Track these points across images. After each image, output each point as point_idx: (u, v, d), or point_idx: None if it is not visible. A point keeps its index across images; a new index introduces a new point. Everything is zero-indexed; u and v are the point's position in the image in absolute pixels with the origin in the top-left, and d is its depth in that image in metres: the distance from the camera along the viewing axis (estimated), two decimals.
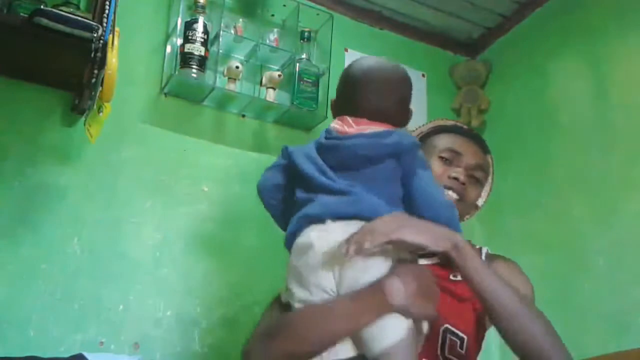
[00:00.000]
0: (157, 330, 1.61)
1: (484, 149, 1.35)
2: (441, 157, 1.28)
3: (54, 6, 1.38)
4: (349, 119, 1.10)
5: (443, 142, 1.31)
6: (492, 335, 2.16)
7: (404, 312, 0.95)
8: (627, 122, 1.76)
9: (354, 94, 1.13)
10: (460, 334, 1.13)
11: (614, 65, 1.85)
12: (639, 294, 1.60)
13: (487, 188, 1.38)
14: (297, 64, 1.93)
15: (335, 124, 1.12)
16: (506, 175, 2.14)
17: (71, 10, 1.43)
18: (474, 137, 1.35)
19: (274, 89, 1.90)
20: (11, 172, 1.55)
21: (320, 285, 1.00)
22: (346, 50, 2.17)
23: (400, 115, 1.15)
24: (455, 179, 1.25)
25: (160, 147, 1.77)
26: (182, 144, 1.80)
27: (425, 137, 1.35)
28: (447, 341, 1.11)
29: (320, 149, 1.10)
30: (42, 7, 1.35)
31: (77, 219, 1.59)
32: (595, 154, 1.84)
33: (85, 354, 1.37)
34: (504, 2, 2.20)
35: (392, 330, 0.94)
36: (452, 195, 1.24)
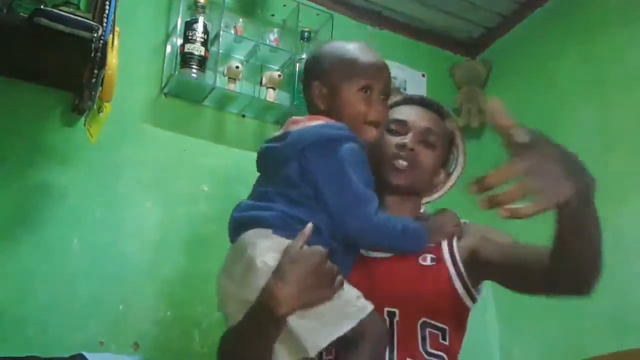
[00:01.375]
0: (157, 330, 1.61)
1: (439, 113, 1.27)
2: (388, 130, 1.21)
3: (54, 6, 1.38)
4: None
5: (390, 112, 1.24)
6: (492, 336, 2.17)
7: (299, 310, 0.92)
8: (627, 122, 1.76)
9: None
10: (440, 324, 1.07)
11: (614, 65, 1.85)
12: (639, 294, 1.60)
13: (455, 153, 1.30)
14: (297, 64, 1.92)
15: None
16: None
17: (71, 10, 1.42)
18: (424, 103, 1.28)
19: (274, 89, 1.90)
20: (11, 172, 1.55)
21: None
22: None
23: (318, 102, 1.16)
24: (402, 146, 1.17)
25: (160, 147, 1.77)
26: (182, 144, 1.80)
27: None
28: (428, 335, 1.05)
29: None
30: (42, 7, 1.35)
31: (77, 219, 1.59)
32: (595, 154, 1.84)
33: (85, 353, 1.37)
34: (504, 2, 2.20)
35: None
36: (402, 163, 1.16)
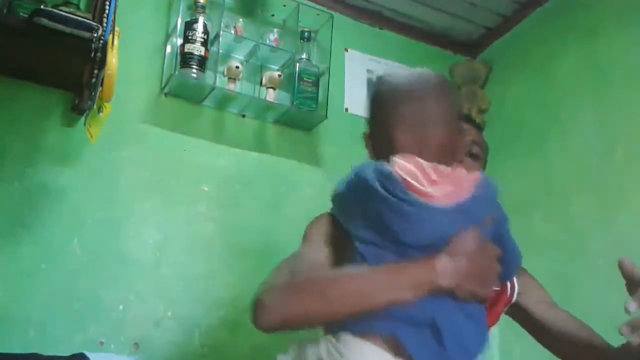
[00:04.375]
0: (157, 330, 1.61)
1: (478, 127, 1.35)
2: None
3: (54, 6, 1.38)
4: (426, 166, 0.91)
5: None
6: (491, 336, 2.16)
7: (451, 292, 0.88)
8: (627, 122, 1.76)
9: (410, 123, 0.95)
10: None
11: (614, 65, 1.85)
12: None
13: None
14: (297, 64, 1.92)
15: (408, 176, 0.90)
16: (506, 175, 2.14)
17: (71, 10, 1.42)
18: (466, 118, 1.33)
19: (274, 89, 1.90)
20: (11, 172, 1.55)
21: None
22: (346, 50, 2.18)
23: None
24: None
25: (160, 147, 1.77)
26: (182, 144, 1.80)
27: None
28: None
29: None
30: (42, 7, 1.35)
31: (77, 219, 1.59)
32: (595, 153, 1.84)
33: (87, 353, 1.37)
34: (504, 2, 2.20)
35: None
36: None
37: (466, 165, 1.17)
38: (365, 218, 0.94)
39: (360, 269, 0.91)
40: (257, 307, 0.91)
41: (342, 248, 1.03)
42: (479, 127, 1.37)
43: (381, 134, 1.02)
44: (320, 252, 1.03)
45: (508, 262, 0.97)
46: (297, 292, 0.90)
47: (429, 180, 0.91)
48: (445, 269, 0.87)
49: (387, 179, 0.90)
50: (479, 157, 1.28)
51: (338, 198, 1.04)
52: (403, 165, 0.91)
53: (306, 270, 0.96)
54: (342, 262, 0.99)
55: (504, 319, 2.08)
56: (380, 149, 1.03)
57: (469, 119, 1.35)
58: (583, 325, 1.19)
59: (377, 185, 0.91)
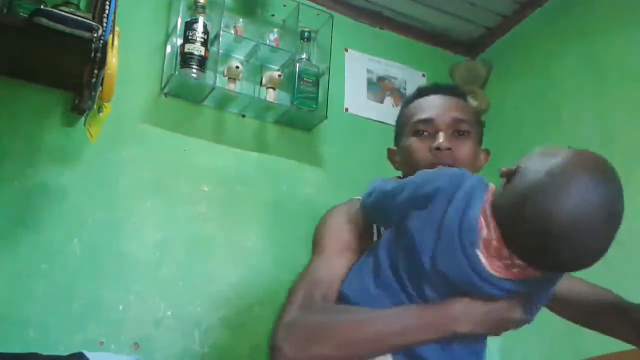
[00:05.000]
0: (157, 330, 1.61)
1: (459, 96, 1.18)
2: (415, 133, 1.13)
3: (54, 6, 1.38)
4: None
5: (409, 113, 1.17)
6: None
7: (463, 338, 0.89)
8: (627, 121, 1.76)
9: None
10: None
11: (614, 65, 1.85)
12: (639, 294, 1.60)
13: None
14: (297, 64, 1.92)
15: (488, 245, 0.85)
16: None
17: (71, 10, 1.42)
18: (441, 89, 1.18)
19: (274, 89, 1.90)
20: (11, 172, 1.55)
21: None
22: (346, 50, 2.18)
23: None
24: (438, 149, 1.09)
25: (160, 147, 1.77)
26: (182, 144, 1.80)
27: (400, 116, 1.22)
28: None
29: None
30: (42, 7, 1.35)
31: (77, 219, 1.59)
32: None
33: (85, 352, 1.37)
34: (504, 2, 2.20)
35: None
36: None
37: (456, 147, 1.10)
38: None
39: (378, 312, 0.90)
40: (275, 354, 0.90)
41: (369, 234, 1.04)
42: (462, 95, 1.20)
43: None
44: (336, 266, 1.01)
45: (534, 309, 0.94)
46: (315, 340, 0.89)
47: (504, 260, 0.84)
48: (462, 314, 0.87)
49: (468, 230, 0.85)
50: (468, 132, 1.14)
51: (389, 206, 0.96)
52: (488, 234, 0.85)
53: (322, 297, 0.96)
54: (368, 242, 1.01)
55: None
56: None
57: (434, 89, 1.19)
58: (596, 287, 1.17)
59: (455, 229, 0.86)
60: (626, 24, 1.83)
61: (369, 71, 2.20)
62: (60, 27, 1.31)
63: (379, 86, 2.20)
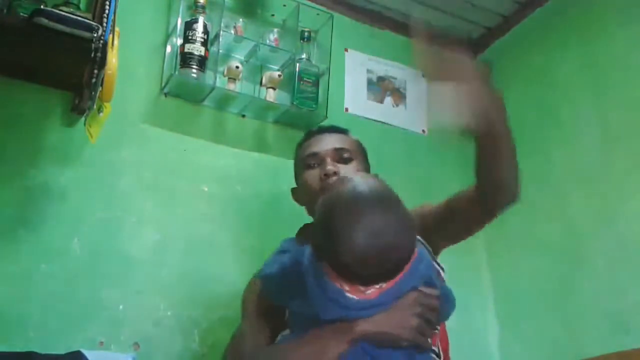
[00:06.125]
0: (157, 330, 1.61)
1: (339, 131, 1.40)
2: (306, 166, 1.35)
3: (54, 6, 1.38)
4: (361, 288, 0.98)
5: (300, 153, 1.40)
6: (492, 336, 2.17)
7: (377, 340, 0.97)
8: (627, 121, 1.76)
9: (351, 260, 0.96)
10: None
11: (614, 65, 1.85)
12: (639, 294, 1.60)
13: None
14: (297, 64, 1.93)
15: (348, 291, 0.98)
16: None
17: (71, 10, 1.42)
18: (323, 130, 1.41)
19: (274, 89, 1.90)
20: (11, 172, 1.55)
21: None
22: (346, 50, 2.18)
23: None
24: (326, 174, 1.28)
25: (160, 147, 1.77)
26: (182, 144, 1.80)
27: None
28: None
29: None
30: (42, 7, 1.35)
31: (77, 219, 1.59)
32: (595, 153, 1.84)
33: (83, 351, 1.37)
34: (504, 2, 2.21)
35: None
36: None
37: (343, 171, 1.28)
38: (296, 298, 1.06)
39: (286, 344, 1.08)
40: None
41: (277, 311, 1.18)
42: (343, 131, 1.41)
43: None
44: (260, 329, 1.20)
45: (443, 309, 1.05)
46: None
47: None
48: (363, 320, 0.97)
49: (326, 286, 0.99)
50: (350, 158, 1.33)
51: (271, 280, 1.15)
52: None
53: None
54: (281, 317, 1.16)
55: (505, 319, 2.08)
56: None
57: (317, 129, 1.42)
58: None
59: (314, 287, 1.00)
60: (626, 23, 1.83)
61: (369, 71, 2.20)
62: (60, 27, 1.31)
63: (379, 86, 2.20)
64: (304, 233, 1.39)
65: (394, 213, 0.98)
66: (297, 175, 1.42)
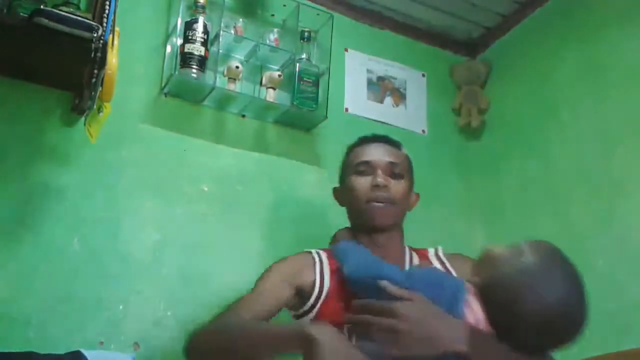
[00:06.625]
0: (157, 330, 1.61)
1: (393, 145, 1.43)
2: (357, 172, 1.37)
3: (54, 6, 1.38)
4: None
5: (351, 157, 1.42)
6: None
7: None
8: (627, 122, 1.76)
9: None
10: None
11: (614, 65, 1.85)
12: (639, 294, 1.60)
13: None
14: (297, 64, 1.92)
15: None
16: (506, 175, 2.14)
17: (71, 10, 1.42)
18: (379, 139, 1.43)
19: (274, 89, 1.90)
20: (11, 172, 1.55)
21: None
22: (346, 50, 2.18)
23: None
24: (376, 186, 1.32)
25: (160, 147, 1.77)
26: (182, 144, 1.80)
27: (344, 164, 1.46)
28: None
29: None
30: (42, 7, 1.35)
31: (77, 219, 1.59)
32: (595, 153, 1.84)
33: (83, 350, 1.37)
34: (504, 2, 2.20)
35: None
36: (378, 205, 1.32)
37: (392, 186, 1.33)
38: None
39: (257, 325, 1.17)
40: (189, 340, 1.22)
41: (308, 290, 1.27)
42: (397, 144, 1.44)
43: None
44: (264, 298, 1.27)
45: None
46: (211, 334, 1.19)
47: None
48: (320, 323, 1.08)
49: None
50: (401, 175, 1.37)
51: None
52: None
53: (241, 313, 1.22)
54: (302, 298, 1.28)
55: None
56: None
57: (373, 138, 1.44)
58: None
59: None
60: (626, 23, 1.83)
61: (369, 71, 2.20)
62: (60, 27, 1.31)
63: (379, 86, 2.20)
64: (343, 235, 1.42)
65: (580, 284, 1.05)
66: (344, 178, 1.44)
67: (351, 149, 1.45)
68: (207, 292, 1.70)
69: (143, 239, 1.67)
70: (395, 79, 2.24)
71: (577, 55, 1.98)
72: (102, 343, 1.53)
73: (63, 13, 1.33)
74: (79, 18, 1.34)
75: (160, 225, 1.70)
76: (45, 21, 1.29)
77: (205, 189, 1.80)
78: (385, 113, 2.17)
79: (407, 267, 1.35)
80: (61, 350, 1.42)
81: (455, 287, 1.09)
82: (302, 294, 1.29)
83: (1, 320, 1.44)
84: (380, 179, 1.33)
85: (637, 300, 1.61)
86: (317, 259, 1.34)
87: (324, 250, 1.40)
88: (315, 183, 1.95)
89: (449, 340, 0.97)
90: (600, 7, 1.92)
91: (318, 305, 1.26)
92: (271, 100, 1.88)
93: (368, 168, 1.36)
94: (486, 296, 1.03)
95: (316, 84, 1.94)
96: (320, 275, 1.30)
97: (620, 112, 1.79)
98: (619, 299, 1.65)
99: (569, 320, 1.01)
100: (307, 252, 1.39)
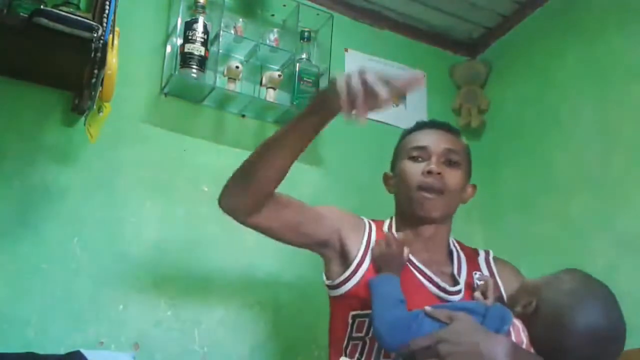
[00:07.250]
0: (157, 330, 1.61)
1: (453, 132, 1.35)
2: (410, 157, 1.29)
3: (54, 6, 1.38)
4: None
5: (406, 142, 1.33)
6: None
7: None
8: (627, 122, 1.76)
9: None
10: None
11: (614, 65, 1.85)
12: (638, 293, 1.60)
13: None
14: (297, 64, 1.92)
15: None
16: (506, 175, 2.14)
17: (71, 10, 1.42)
18: (437, 125, 1.35)
19: (274, 89, 1.90)
20: (11, 172, 1.55)
21: None
22: (346, 50, 2.18)
23: None
24: (430, 172, 1.24)
25: (160, 147, 1.76)
26: (182, 144, 1.80)
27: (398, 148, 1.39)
28: None
29: None
30: (42, 7, 1.35)
31: (77, 219, 1.59)
32: (595, 153, 1.84)
33: (83, 350, 1.37)
34: (504, 2, 2.20)
35: None
36: (428, 196, 1.24)
37: (446, 174, 1.25)
38: None
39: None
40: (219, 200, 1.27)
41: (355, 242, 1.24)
42: (456, 132, 1.37)
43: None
44: (307, 208, 1.32)
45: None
46: (232, 178, 1.25)
47: None
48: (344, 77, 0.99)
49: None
50: (458, 163, 1.30)
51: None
52: None
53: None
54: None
55: None
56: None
57: (431, 123, 1.36)
58: None
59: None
60: (626, 23, 1.83)
61: None
62: (60, 27, 1.30)
63: None
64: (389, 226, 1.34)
65: (618, 303, 1.06)
66: (396, 163, 1.35)
67: (406, 133, 1.36)
68: (207, 292, 1.70)
69: (143, 239, 1.67)
70: None
71: (577, 55, 1.98)
72: (102, 343, 1.53)
73: (63, 13, 1.33)
74: (79, 18, 1.34)
75: (160, 225, 1.70)
76: (45, 21, 1.29)
77: (205, 189, 1.80)
78: (385, 113, 2.14)
79: (453, 268, 1.26)
80: (61, 350, 1.42)
81: (501, 311, 1.05)
82: (344, 254, 1.24)
83: (1, 320, 1.44)
84: (435, 165, 1.24)
85: (637, 300, 1.61)
86: (367, 229, 1.28)
87: (374, 221, 1.33)
88: (315, 183, 1.95)
89: (494, 355, 0.95)
90: (600, 7, 1.92)
91: (360, 273, 1.19)
92: (271, 100, 1.88)
93: (423, 154, 1.27)
94: (533, 322, 1.02)
95: (316, 84, 1.94)
96: (366, 246, 1.23)
97: (620, 112, 1.79)
98: (619, 299, 1.65)
99: (614, 337, 1.02)
100: (360, 218, 1.32)
